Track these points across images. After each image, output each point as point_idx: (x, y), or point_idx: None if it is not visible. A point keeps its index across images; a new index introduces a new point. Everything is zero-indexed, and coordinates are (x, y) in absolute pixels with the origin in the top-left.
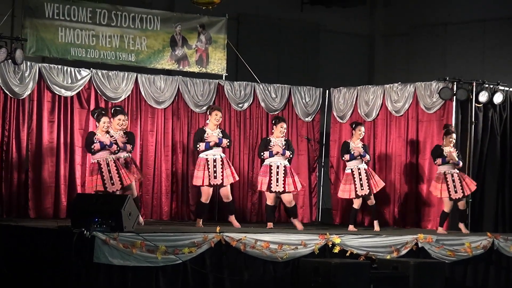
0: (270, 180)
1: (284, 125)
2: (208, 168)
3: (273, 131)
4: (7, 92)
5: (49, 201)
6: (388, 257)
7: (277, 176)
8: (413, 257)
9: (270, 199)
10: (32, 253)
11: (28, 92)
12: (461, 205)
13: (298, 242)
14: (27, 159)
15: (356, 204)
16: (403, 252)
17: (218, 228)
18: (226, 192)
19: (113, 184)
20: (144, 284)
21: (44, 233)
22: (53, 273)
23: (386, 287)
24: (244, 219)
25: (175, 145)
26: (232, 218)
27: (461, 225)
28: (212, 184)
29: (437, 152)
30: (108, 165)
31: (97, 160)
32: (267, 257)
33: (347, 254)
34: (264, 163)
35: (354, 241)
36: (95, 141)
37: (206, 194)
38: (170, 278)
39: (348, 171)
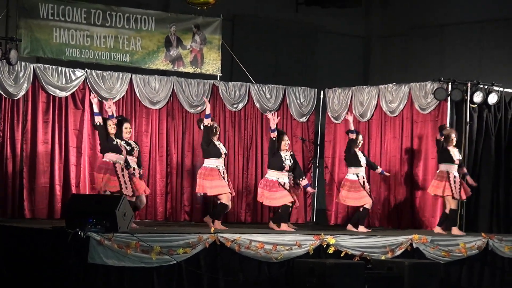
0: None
1: (286, 138)
2: (223, 178)
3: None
4: (2, 93)
5: (44, 201)
6: (383, 257)
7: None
8: (408, 258)
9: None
10: (26, 253)
11: (22, 93)
12: (454, 204)
13: (293, 242)
14: (22, 159)
15: (369, 205)
16: (398, 252)
17: (212, 229)
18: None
19: (126, 188)
20: (139, 285)
21: (39, 233)
22: (48, 273)
23: (381, 287)
24: (239, 219)
25: (169, 146)
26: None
27: (439, 228)
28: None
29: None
30: (122, 170)
31: (112, 161)
32: (261, 257)
33: (342, 254)
34: (270, 178)
35: (349, 242)
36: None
37: (227, 198)
38: (165, 279)
39: (355, 178)
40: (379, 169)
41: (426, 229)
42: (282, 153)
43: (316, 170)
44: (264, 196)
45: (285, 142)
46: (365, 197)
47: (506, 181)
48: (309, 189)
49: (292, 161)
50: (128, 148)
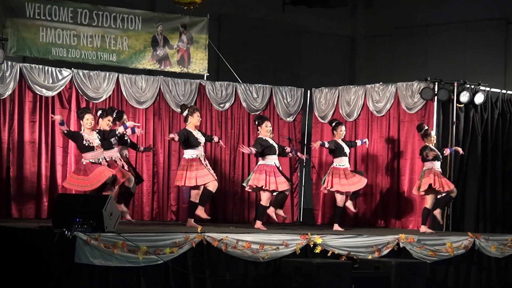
0: (275, 179)
1: (269, 124)
2: (205, 166)
3: (258, 132)
4: None
5: (30, 201)
6: (370, 257)
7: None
8: (395, 257)
9: (268, 199)
10: (13, 253)
11: (9, 92)
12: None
13: (280, 242)
14: (9, 159)
15: (342, 202)
16: (385, 252)
17: (199, 228)
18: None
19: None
20: (126, 285)
21: (25, 233)
22: (34, 273)
23: (368, 287)
24: (226, 219)
25: (156, 145)
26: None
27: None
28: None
29: (425, 149)
30: (100, 164)
31: (90, 161)
32: (248, 257)
33: (329, 254)
34: (262, 163)
35: (335, 241)
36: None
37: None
38: (152, 279)
39: (341, 166)
40: (359, 142)
41: (413, 228)
42: (268, 139)
43: (303, 169)
44: (270, 182)
45: (268, 127)
46: (342, 185)
47: (492, 181)
48: (299, 154)
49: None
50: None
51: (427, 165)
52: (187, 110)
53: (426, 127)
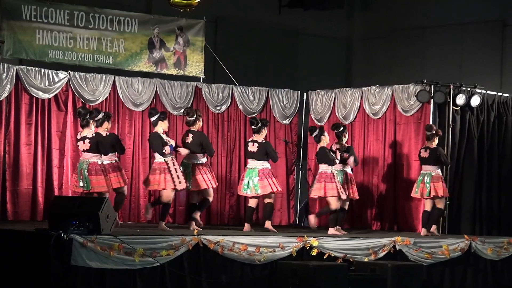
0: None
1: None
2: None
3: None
4: None
5: (26, 203)
6: (366, 259)
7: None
8: (391, 260)
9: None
10: (9, 256)
11: (5, 95)
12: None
13: (276, 244)
14: (5, 161)
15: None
16: (381, 254)
17: (196, 231)
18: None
19: None
20: (122, 287)
21: (22, 235)
22: (31, 276)
23: None
24: (222, 221)
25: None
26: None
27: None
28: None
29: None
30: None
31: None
32: (245, 259)
33: (325, 256)
34: (269, 167)
35: (332, 244)
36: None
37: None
38: (148, 281)
39: (349, 171)
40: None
41: (409, 231)
42: None
43: (299, 172)
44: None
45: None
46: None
47: (488, 183)
48: None
49: None
50: None
51: (431, 168)
52: (196, 113)
53: (436, 129)
